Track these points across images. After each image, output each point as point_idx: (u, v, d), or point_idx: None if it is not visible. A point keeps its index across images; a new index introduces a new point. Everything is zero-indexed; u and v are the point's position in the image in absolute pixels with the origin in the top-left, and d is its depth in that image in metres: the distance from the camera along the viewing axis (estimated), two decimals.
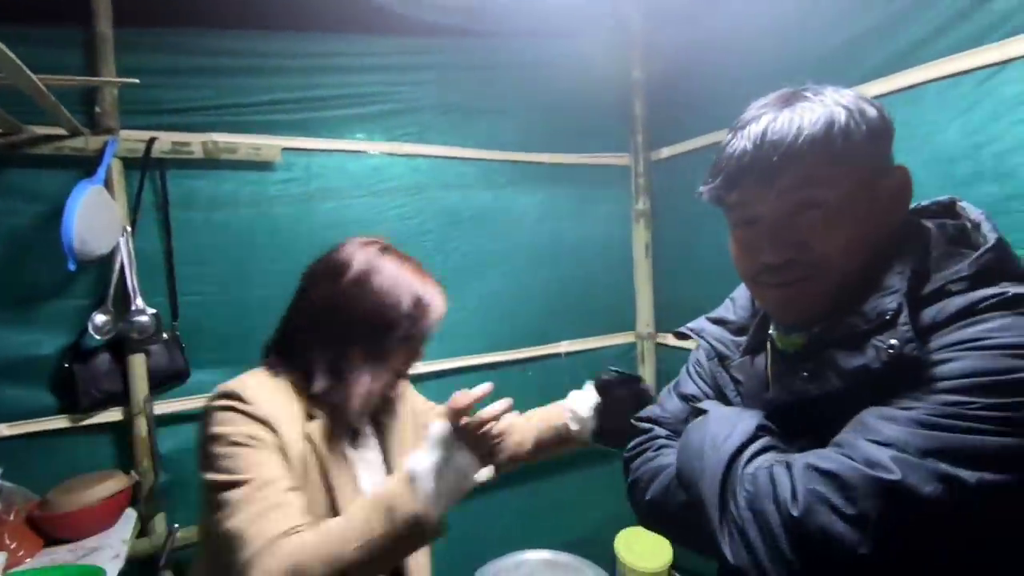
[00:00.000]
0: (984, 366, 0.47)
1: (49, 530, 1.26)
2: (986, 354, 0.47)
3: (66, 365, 1.40)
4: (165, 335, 1.49)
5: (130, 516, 1.41)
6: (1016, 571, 0.49)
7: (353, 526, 0.73)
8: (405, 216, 1.81)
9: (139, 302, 1.45)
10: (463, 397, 0.79)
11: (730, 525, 0.53)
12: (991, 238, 0.54)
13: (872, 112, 0.58)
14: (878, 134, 0.58)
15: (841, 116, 0.55)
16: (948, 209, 0.61)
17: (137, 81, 1.30)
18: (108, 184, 1.40)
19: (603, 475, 2.03)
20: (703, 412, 0.67)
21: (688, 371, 0.82)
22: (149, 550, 1.46)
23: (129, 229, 1.44)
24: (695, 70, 1.91)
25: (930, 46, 1.24)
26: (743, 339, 0.74)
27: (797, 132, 0.55)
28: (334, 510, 0.83)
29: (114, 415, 1.47)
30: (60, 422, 1.42)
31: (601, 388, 1.08)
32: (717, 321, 0.79)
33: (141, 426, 1.46)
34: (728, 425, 0.60)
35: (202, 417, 0.81)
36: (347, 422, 0.90)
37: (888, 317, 0.52)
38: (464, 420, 0.78)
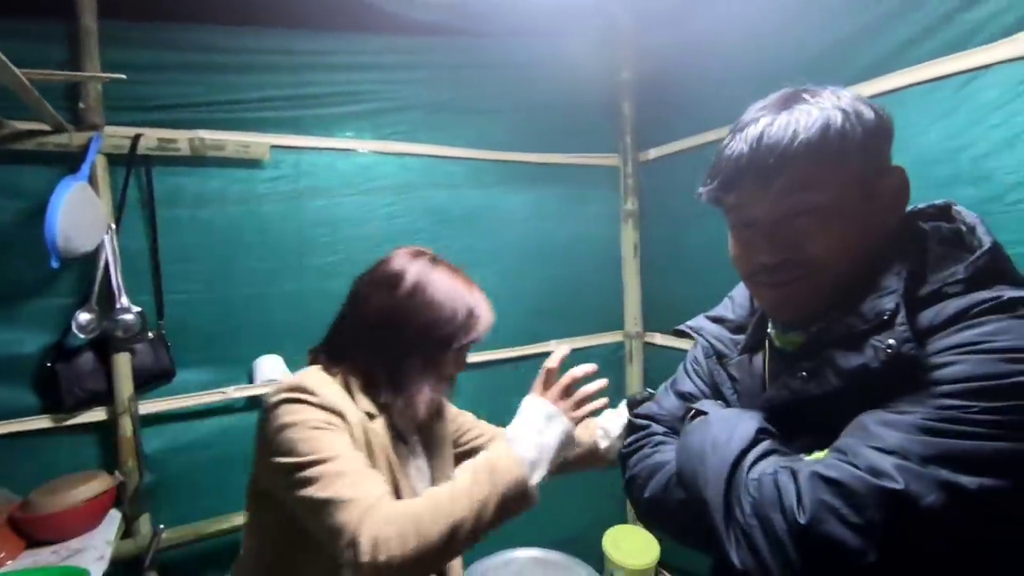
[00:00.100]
0: (981, 370, 0.47)
1: (31, 531, 1.25)
2: (983, 358, 0.48)
3: (49, 364, 1.38)
4: (150, 334, 1.48)
5: (114, 517, 1.39)
6: (1016, 572, 0.50)
7: (459, 487, 0.74)
8: (394, 215, 1.80)
9: (124, 300, 1.43)
10: (553, 358, 0.87)
11: (736, 530, 0.53)
12: (986, 241, 0.54)
13: (869, 114, 0.58)
14: (875, 136, 0.58)
15: (837, 119, 0.56)
16: (944, 212, 0.61)
17: (123, 76, 1.28)
18: (92, 181, 1.39)
19: (591, 475, 1.98)
20: (701, 412, 0.68)
21: (686, 369, 0.83)
22: (134, 551, 1.45)
23: (114, 226, 1.43)
24: (684, 71, 1.93)
25: (913, 50, 1.26)
26: (741, 337, 0.75)
27: (793, 135, 0.56)
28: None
29: (98, 415, 1.45)
30: (43, 422, 1.40)
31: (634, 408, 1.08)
32: (716, 319, 0.80)
33: (126, 426, 1.45)
34: (728, 427, 0.61)
35: (264, 413, 0.81)
36: (402, 427, 0.93)
37: (886, 317, 0.53)
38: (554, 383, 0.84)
